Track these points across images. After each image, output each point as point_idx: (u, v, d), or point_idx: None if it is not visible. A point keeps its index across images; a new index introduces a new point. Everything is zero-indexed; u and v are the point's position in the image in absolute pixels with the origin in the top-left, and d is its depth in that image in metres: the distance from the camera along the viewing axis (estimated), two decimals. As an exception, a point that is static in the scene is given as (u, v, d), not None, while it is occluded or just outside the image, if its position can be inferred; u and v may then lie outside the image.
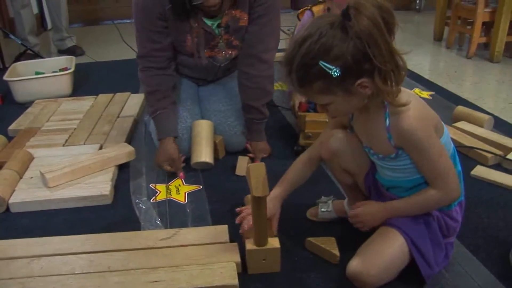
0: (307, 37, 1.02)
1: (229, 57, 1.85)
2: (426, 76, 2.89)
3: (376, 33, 0.97)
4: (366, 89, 1.04)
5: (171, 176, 1.75)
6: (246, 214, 1.30)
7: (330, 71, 1.00)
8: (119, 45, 3.77)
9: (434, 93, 2.58)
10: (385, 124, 1.11)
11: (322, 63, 1.00)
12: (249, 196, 1.51)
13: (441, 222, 1.20)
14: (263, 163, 1.20)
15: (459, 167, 1.19)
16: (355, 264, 1.14)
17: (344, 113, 1.21)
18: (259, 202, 1.15)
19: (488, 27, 3.31)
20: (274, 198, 1.32)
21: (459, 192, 1.16)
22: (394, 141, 1.12)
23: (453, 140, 1.24)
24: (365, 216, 1.21)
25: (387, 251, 1.14)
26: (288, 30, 4.40)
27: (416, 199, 1.17)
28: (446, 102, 2.44)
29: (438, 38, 3.83)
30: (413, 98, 1.09)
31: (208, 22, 1.72)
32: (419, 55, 3.45)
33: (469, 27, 3.39)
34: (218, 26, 1.73)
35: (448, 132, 1.19)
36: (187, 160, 1.78)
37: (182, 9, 1.62)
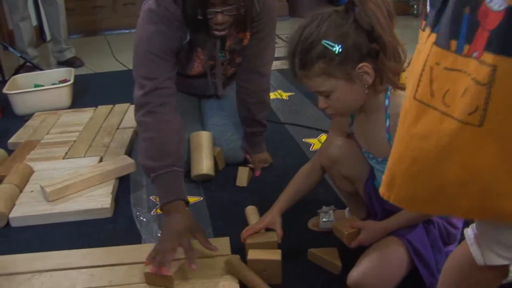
0: (311, 21, 1.05)
1: (229, 74, 1.85)
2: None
3: (380, 16, 1.01)
4: (367, 75, 1.05)
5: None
6: (245, 231, 1.32)
7: (332, 48, 1.01)
8: (117, 56, 3.78)
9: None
10: (385, 125, 1.12)
11: (324, 42, 1.02)
12: (249, 207, 1.51)
13: (441, 229, 1.19)
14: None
15: None
16: (355, 275, 1.13)
17: (345, 108, 1.16)
18: None
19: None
20: (272, 210, 1.33)
21: None
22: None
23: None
24: (366, 241, 1.21)
25: (388, 260, 1.14)
26: (286, 37, 4.40)
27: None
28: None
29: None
30: None
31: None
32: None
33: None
34: (222, 49, 1.69)
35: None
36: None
37: (202, 28, 1.50)
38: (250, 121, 1.83)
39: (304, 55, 1.05)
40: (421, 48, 0.73)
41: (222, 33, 1.52)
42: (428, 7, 0.73)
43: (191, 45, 1.60)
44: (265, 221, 1.32)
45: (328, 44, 1.02)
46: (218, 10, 1.43)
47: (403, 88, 1.08)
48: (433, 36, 0.69)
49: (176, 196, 1.34)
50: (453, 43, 0.65)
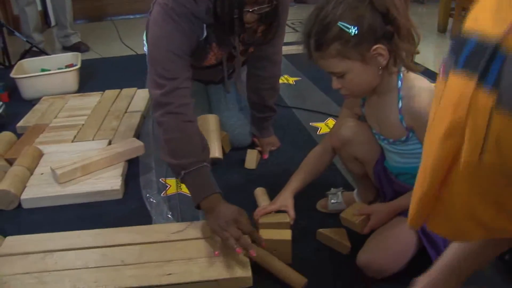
0: (327, 2, 1.05)
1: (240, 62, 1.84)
2: (431, 68, 2.89)
3: None
4: (381, 57, 1.06)
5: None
6: (258, 211, 1.33)
7: (348, 30, 1.02)
8: (124, 41, 3.78)
9: (439, 84, 2.58)
10: (398, 106, 1.14)
11: (340, 23, 1.03)
12: (258, 189, 1.53)
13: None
14: None
15: None
16: (365, 254, 1.16)
17: (358, 89, 1.16)
18: None
19: (492, 17, 3.30)
20: (284, 191, 1.34)
21: None
22: (406, 122, 1.14)
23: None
24: (377, 225, 1.21)
25: (397, 240, 1.15)
26: (292, 23, 4.40)
27: None
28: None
29: (442, 29, 3.82)
30: (426, 82, 1.14)
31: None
32: (423, 47, 3.38)
33: (473, 18, 3.38)
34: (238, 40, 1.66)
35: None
36: None
37: (229, 27, 1.45)
38: (261, 107, 1.84)
39: (320, 37, 1.06)
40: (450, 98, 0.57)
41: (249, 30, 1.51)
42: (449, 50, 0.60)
43: (206, 40, 1.57)
44: (277, 202, 1.33)
45: (344, 26, 1.03)
46: (249, 10, 1.40)
47: (416, 70, 1.10)
48: (487, 97, 0.51)
49: (212, 190, 1.33)
50: None
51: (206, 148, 1.44)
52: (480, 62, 0.54)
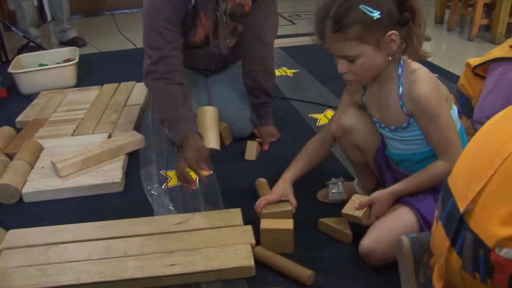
0: None
1: (230, 43, 1.85)
2: (428, 59, 2.89)
3: None
4: (393, 43, 1.08)
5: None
6: (259, 202, 1.33)
7: (371, 14, 1.04)
8: (120, 36, 3.78)
9: (436, 75, 2.58)
10: (398, 92, 1.15)
11: (363, 7, 1.04)
12: (260, 180, 1.53)
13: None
14: None
15: (465, 142, 1.21)
16: (367, 243, 1.16)
17: (365, 75, 1.17)
18: None
19: (489, 8, 3.31)
20: (283, 180, 1.34)
21: None
22: (407, 108, 1.15)
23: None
24: (381, 212, 1.22)
25: (398, 228, 1.16)
26: (288, 16, 4.39)
27: (422, 174, 1.19)
28: (449, 84, 2.45)
29: (439, 21, 3.83)
30: (426, 70, 1.16)
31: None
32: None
33: (470, 9, 3.39)
34: (224, 13, 1.72)
35: (457, 110, 1.21)
36: None
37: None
38: (257, 91, 1.84)
39: (340, 19, 1.06)
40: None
41: None
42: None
43: (194, 10, 1.63)
44: (278, 192, 1.33)
45: (367, 9, 1.04)
46: None
47: (424, 56, 1.13)
48: (456, 258, 0.75)
49: (189, 132, 1.53)
50: (477, 275, 0.71)
51: (190, 105, 1.62)
52: (451, 227, 0.75)
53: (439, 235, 0.80)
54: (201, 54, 1.85)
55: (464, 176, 0.77)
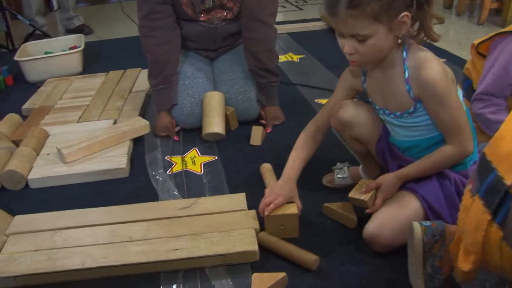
0: None
1: (224, 18, 1.86)
2: (437, 44, 2.86)
3: None
4: (404, 25, 1.06)
5: (186, 147, 1.77)
6: (265, 205, 1.27)
7: None
8: (126, 23, 3.77)
9: (445, 60, 2.56)
10: (404, 76, 1.13)
11: None
12: (264, 165, 1.53)
13: (458, 184, 1.20)
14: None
15: (472, 126, 1.19)
16: (371, 227, 1.16)
17: (373, 56, 1.13)
18: None
19: (499, -8, 3.26)
20: (289, 180, 1.30)
21: (473, 146, 1.17)
22: (414, 92, 1.13)
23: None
24: (388, 195, 1.21)
25: (403, 214, 1.15)
26: (296, 2, 4.36)
27: (430, 157, 1.17)
28: (458, 69, 2.42)
29: (448, 5, 3.78)
30: (431, 52, 1.14)
31: None
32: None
33: (480, -8, 3.34)
34: None
35: (462, 94, 1.20)
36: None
37: None
38: (262, 71, 1.84)
39: None
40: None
41: None
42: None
43: None
44: (285, 194, 1.27)
45: None
46: None
47: (435, 39, 1.11)
48: (496, 230, 0.73)
49: (164, 107, 1.85)
50: None
51: (170, 69, 1.82)
52: (494, 200, 0.72)
53: (476, 210, 0.77)
54: (198, 31, 1.87)
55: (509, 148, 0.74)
